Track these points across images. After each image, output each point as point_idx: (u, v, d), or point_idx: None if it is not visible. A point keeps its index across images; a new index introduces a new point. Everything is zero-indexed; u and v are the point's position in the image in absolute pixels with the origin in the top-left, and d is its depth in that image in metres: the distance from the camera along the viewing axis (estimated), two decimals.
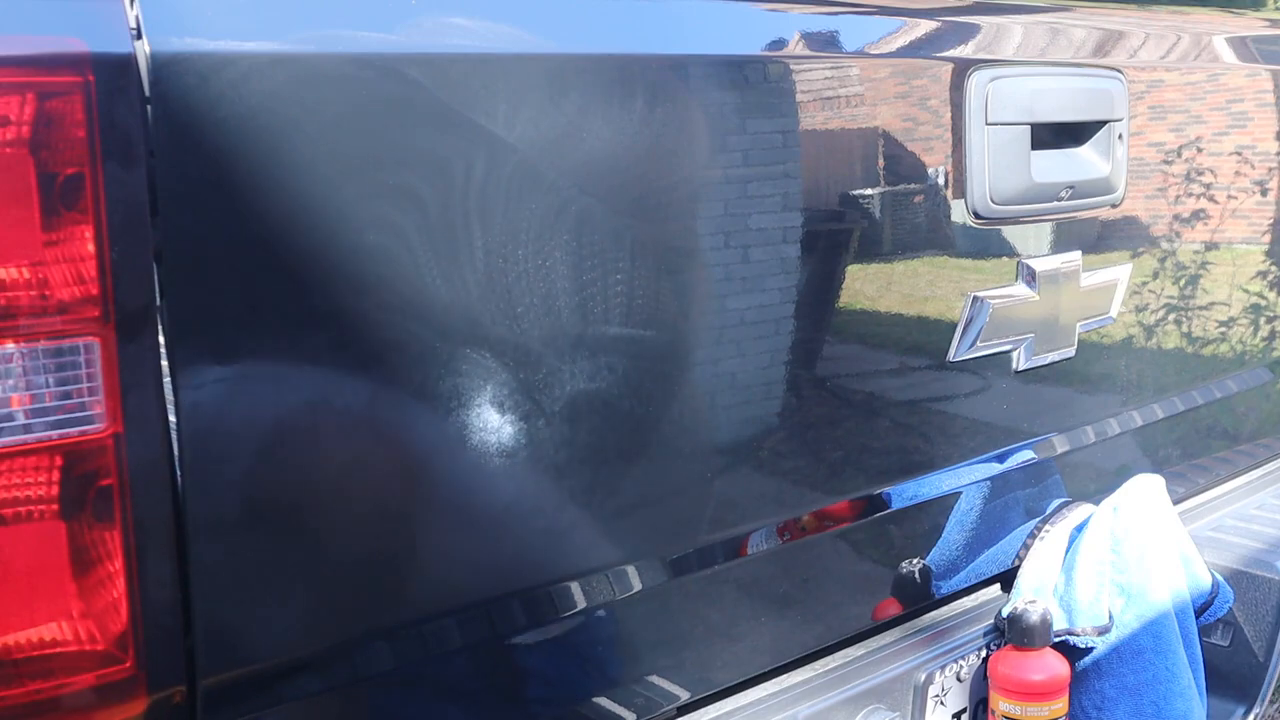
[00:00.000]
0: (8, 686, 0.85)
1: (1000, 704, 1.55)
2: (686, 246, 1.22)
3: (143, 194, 0.86)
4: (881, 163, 1.39)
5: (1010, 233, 1.56)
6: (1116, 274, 1.70)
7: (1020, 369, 1.58)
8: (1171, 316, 1.87)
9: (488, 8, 1.08)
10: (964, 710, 1.59)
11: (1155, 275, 1.81)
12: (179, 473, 0.90)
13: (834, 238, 1.37)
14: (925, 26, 1.46)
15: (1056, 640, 1.59)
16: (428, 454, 1.05)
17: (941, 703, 1.55)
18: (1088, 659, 1.64)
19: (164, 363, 0.88)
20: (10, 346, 0.82)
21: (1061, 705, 1.55)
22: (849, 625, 1.50)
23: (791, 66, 1.28)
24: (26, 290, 0.82)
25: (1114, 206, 1.66)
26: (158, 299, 0.87)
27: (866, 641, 1.53)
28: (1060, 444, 1.71)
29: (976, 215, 1.47)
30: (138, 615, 0.89)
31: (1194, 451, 2.02)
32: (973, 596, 1.68)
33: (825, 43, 1.33)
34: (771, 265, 1.29)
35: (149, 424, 0.88)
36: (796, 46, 1.30)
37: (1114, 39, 1.69)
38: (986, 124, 1.45)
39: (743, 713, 1.38)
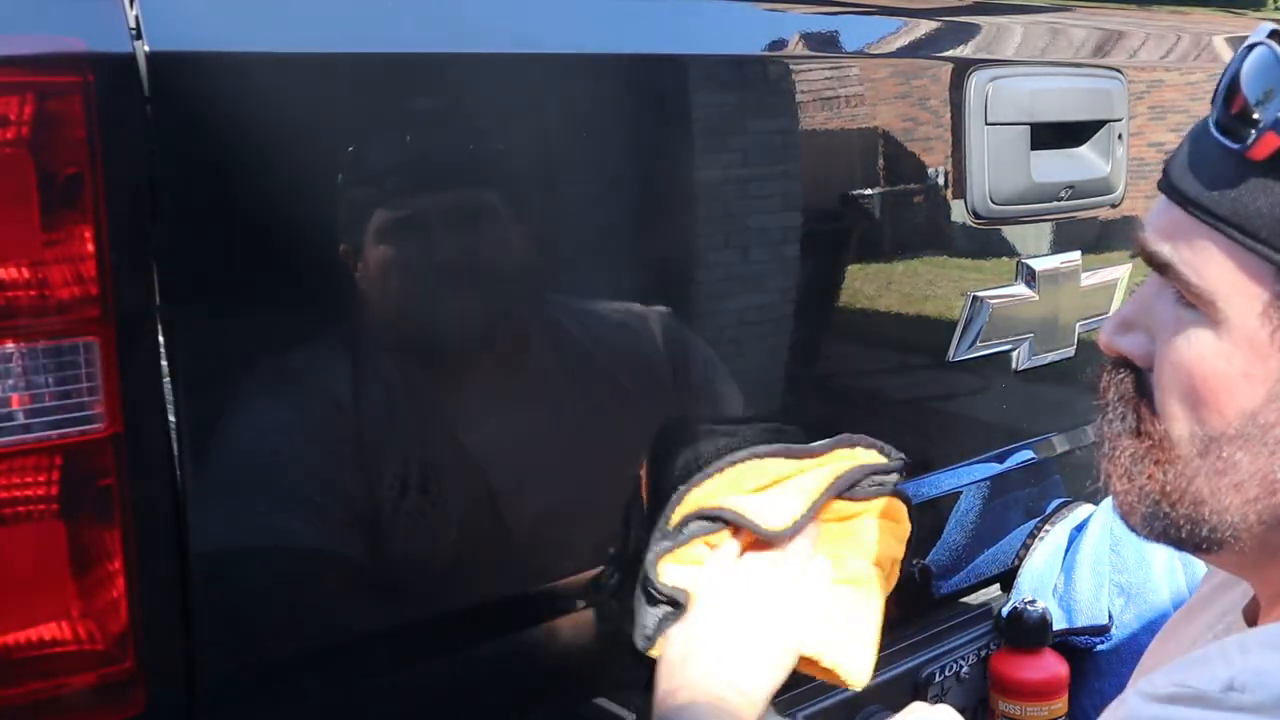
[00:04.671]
0: (8, 686, 0.85)
1: (1000, 704, 1.55)
2: (686, 246, 1.22)
3: (143, 194, 0.86)
4: (881, 163, 1.39)
5: (1010, 233, 1.56)
6: (1116, 274, 1.70)
7: (1020, 369, 1.58)
8: None
9: (490, 7, 1.08)
10: (964, 710, 1.59)
11: None
12: (179, 472, 0.90)
13: (834, 238, 1.37)
14: (925, 26, 1.46)
15: (1056, 640, 1.59)
16: (425, 452, 1.05)
17: (941, 703, 1.55)
18: (1088, 659, 1.64)
19: (164, 363, 0.88)
20: (10, 346, 0.82)
21: (1061, 705, 1.54)
22: None
23: (791, 66, 1.28)
24: (26, 290, 0.82)
25: (1114, 206, 1.66)
26: (157, 299, 0.87)
27: None
28: (1060, 444, 1.71)
29: (976, 215, 1.47)
30: (138, 615, 0.89)
31: None
32: (973, 596, 1.68)
33: (825, 43, 1.33)
34: (771, 265, 1.29)
35: (148, 424, 0.88)
36: (796, 46, 1.30)
37: (1114, 39, 1.69)
38: (986, 124, 1.45)
39: None
